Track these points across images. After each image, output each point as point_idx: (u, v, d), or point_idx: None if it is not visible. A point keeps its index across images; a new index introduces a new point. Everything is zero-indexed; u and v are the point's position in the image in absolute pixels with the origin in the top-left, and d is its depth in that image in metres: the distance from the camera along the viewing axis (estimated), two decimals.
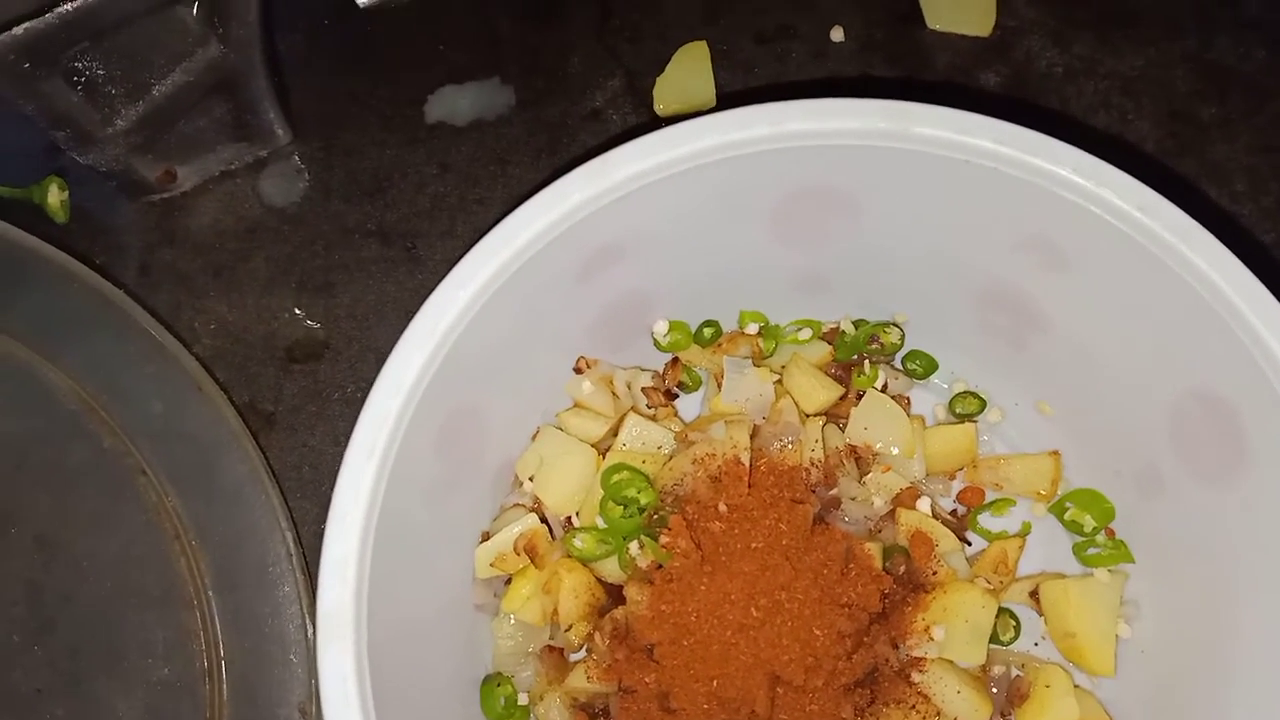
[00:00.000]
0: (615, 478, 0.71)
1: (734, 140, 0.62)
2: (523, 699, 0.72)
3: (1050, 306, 0.69)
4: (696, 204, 0.66)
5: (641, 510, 0.70)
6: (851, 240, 0.70)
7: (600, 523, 0.71)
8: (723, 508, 0.69)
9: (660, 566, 0.69)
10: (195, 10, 0.74)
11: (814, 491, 0.72)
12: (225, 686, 0.74)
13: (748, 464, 0.70)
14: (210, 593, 0.75)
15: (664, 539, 0.68)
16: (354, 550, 0.57)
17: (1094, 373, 0.70)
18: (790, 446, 0.72)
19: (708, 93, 0.88)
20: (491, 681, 0.71)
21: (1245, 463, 0.61)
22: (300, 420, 0.83)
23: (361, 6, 0.70)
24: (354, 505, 0.57)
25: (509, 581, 0.72)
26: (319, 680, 0.55)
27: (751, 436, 0.73)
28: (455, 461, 0.67)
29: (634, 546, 0.71)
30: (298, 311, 0.86)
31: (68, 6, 0.68)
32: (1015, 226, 0.64)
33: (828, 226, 0.69)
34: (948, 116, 0.60)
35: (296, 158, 0.89)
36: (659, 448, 0.73)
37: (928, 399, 0.79)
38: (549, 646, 0.72)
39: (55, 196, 0.88)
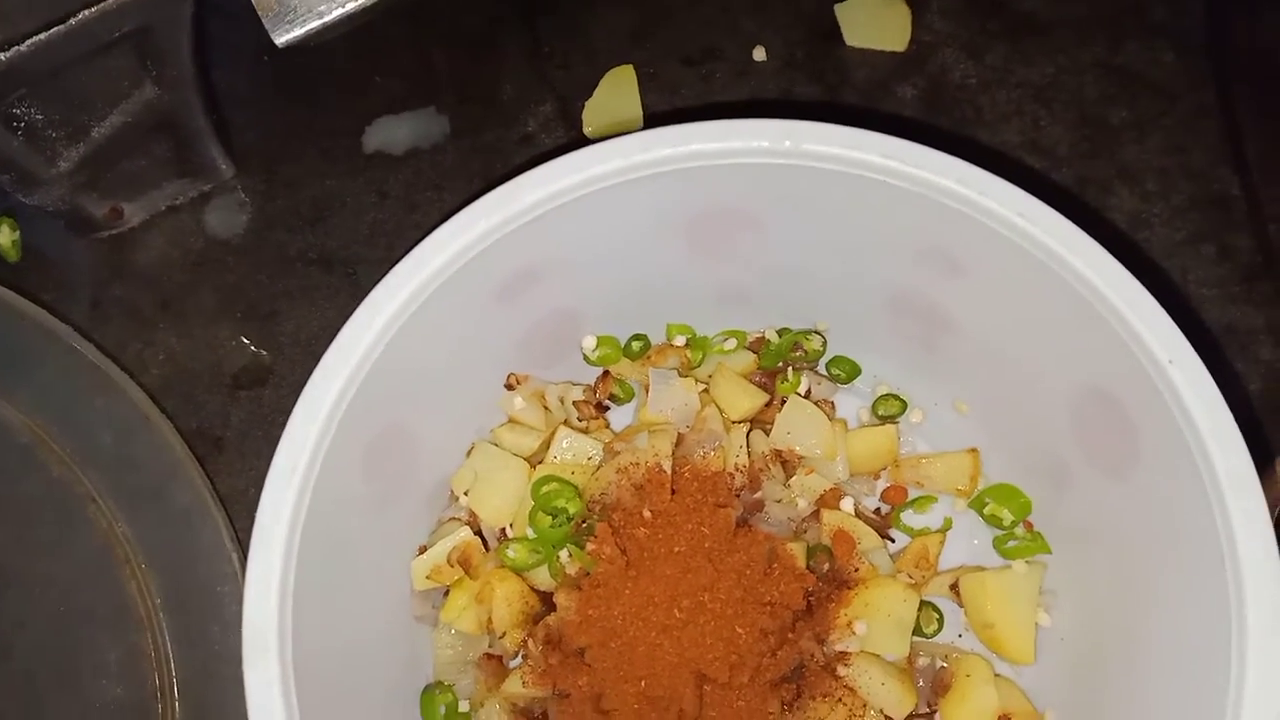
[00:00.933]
0: (545, 489, 0.73)
1: (637, 162, 0.65)
2: (464, 706, 0.74)
3: (954, 310, 0.71)
4: (612, 223, 0.68)
5: (569, 519, 0.73)
6: (763, 255, 0.73)
7: (531, 533, 0.74)
8: (647, 514, 0.72)
9: (588, 573, 0.71)
10: (128, 55, 0.77)
11: (738, 496, 0.75)
12: (178, 704, 0.76)
13: (670, 471, 0.73)
14: (161, 614, 0.77)
15: (590, 546, 0.71)
16: (276, 569, 0.59)
17: (1001, 371, 0.72)
18: (713, 453, 0.75)
19: (634, 114, 0.91)
20: (432, 690, 0.73)
21: (1139, 456, 0.64)
22: (247, 445, 0.85)
23: (280, 46, 0.73)
24: (275, 525, 0.60)
25: (447, 593, 0.75)
26: (247, 700, 0.57)
27: (676, 445, 0.75)
28: (386, 479, 0.69)
29: (564, 555, 0.73)
30: (244, 339, 0.89)
31: (0, 56, 0.70)
32: (912, 237, 0.67)
33: (739, 243, 0.72)
34: (835, 133, 0.63)
35: (240, 190, 0.92)
36: (589, 459, 0.76)
37: (852, 402, 0.82)
38: (487, 654, 0.74)
39: (6, 236, 0.90)
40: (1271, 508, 0.69)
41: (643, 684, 0.69)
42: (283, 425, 0.85)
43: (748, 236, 0.71)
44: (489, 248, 0.65)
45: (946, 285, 0.69)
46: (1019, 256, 0.62)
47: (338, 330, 0.86)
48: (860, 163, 0.63)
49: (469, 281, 0.65)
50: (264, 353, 0.88)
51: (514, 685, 0.72)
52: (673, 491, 0.73)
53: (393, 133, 0.93)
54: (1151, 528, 0.64)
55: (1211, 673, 0.57)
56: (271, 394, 0.87)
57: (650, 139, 0.64)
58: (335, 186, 0.92)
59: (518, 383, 0.78)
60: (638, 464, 0.73)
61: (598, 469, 0.75)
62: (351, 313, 0.69)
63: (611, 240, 0.70)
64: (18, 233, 0.91)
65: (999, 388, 0.74)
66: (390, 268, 0.87)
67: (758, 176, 0.66)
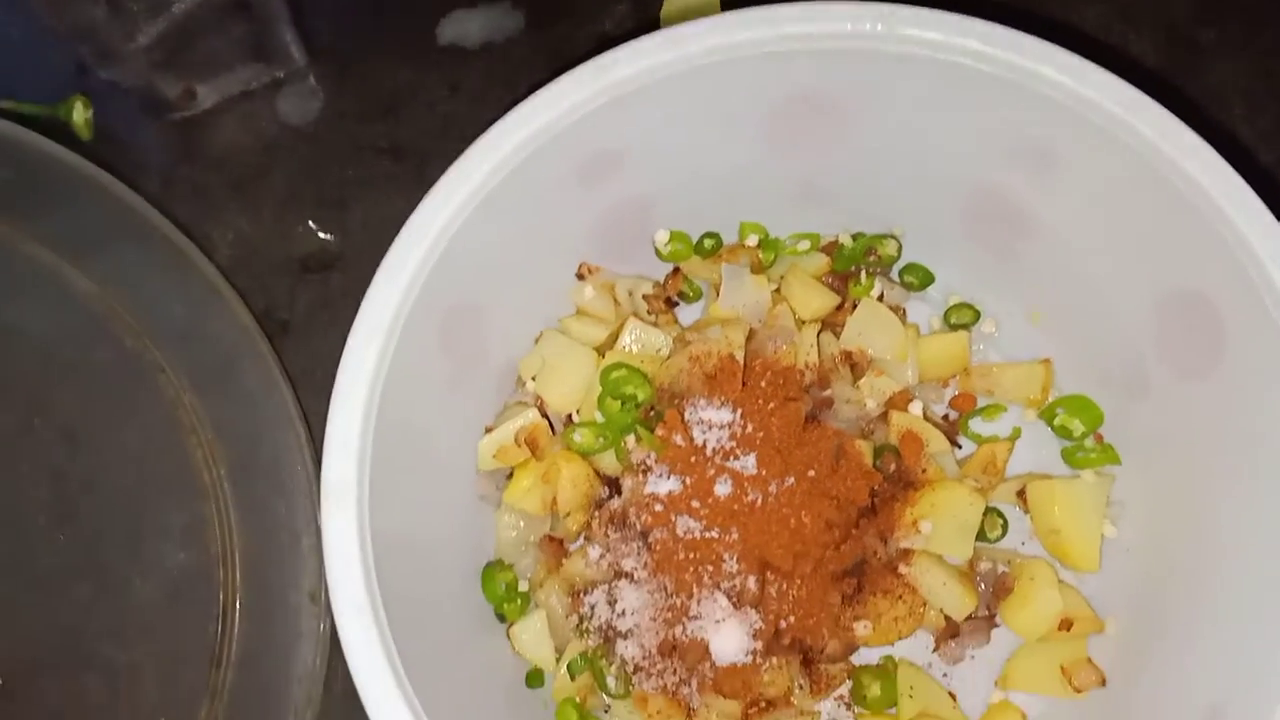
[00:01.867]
0: (614, 375, 0.73)
1: (729, 43, 0.64)
2: (523, 586, 0.75)
3: (1038, 211, 0.70)
4: (694, 109, 0.68)
5: (638, 405, 0.73)
6: (844, 148, 0.72)
7: (598, 417, 0.74)
8: (718, 403, 0.71)
9: (655, 459, 0.71)
10: None
11: (807, 392, 0.74)
12: (239, 571, 0.77)
13: (742, 362, 0.73)
14: (225, 484, 0.78)
15: (659, 432, 0.71)
16: (356, 429, 0.59)
17: (1082, 277, 0.71)
18: (785, 348, 0.74)
19: (714, 11, 0.89)
20: (493, 567, 0.74)
21: (1223, 357, 0.63)
22: (314, 327, 0.86)
23: None
24: (356, 386, 0.60)
25: (511, 475, 0.75)
26: (324, 548, 0.58)
27: (748, 339, 0.75)
28: (459, 358, 0.70)
29: (630, 440, 0.73)
30: (312, 225, 0.89)
31: None
32: (1002, 130, 0.66)
33: (819, 134, 0.71)
34: (934, 18, 0.62)
35: (312, 79, 0.92)
36: (657, 350, 0.76)
37: (923, 311, 0.81)
38: (549, 537, 0.75)
39: (80, 114, 0.91)
40: None
41: (706, 568, 0.69)
42: (350, 310, 0.85)
43: (828, 127, 0.70)
44: (571, 125, 0.64)
45: (1035, 183, 0.68)
46: (1117, 151, 0.61)
47: (405, 219, 0.87)
48: (957, 48, 0.62)
49: (551, 159, 0.65)
50: (331, 238, 0.88)
51: (575, 566, 0.72)
52: (744, 384, 0.73)
53: (466, 26, 0.93)
54: (1229, 431, 0.64)
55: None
56: (339, 279, 0.87)
57: (743, 18, 0.64)
58: (408, 78, 0.92)
59: (589, 272, 0.77)
60: (709, 353, 0.73)
61: (668, 358, 0.75)
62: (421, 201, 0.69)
63: (691, 126, 0.69)
64: (90, 111, 0.91)
65: (1078, 293, 0.73)
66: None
67: (846, 63, 0.65)
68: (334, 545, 0.58)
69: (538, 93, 0.64)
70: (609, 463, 0.74)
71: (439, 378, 0.68)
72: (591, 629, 0.72)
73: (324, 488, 0.59)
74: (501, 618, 0.74)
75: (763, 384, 0.73)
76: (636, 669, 0.71)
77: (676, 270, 0.80)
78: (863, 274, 0.79)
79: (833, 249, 0.80)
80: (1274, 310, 0.57)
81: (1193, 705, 0.60)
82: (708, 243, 0.80)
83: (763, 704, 0.71)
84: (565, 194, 0.70)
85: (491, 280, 0.69)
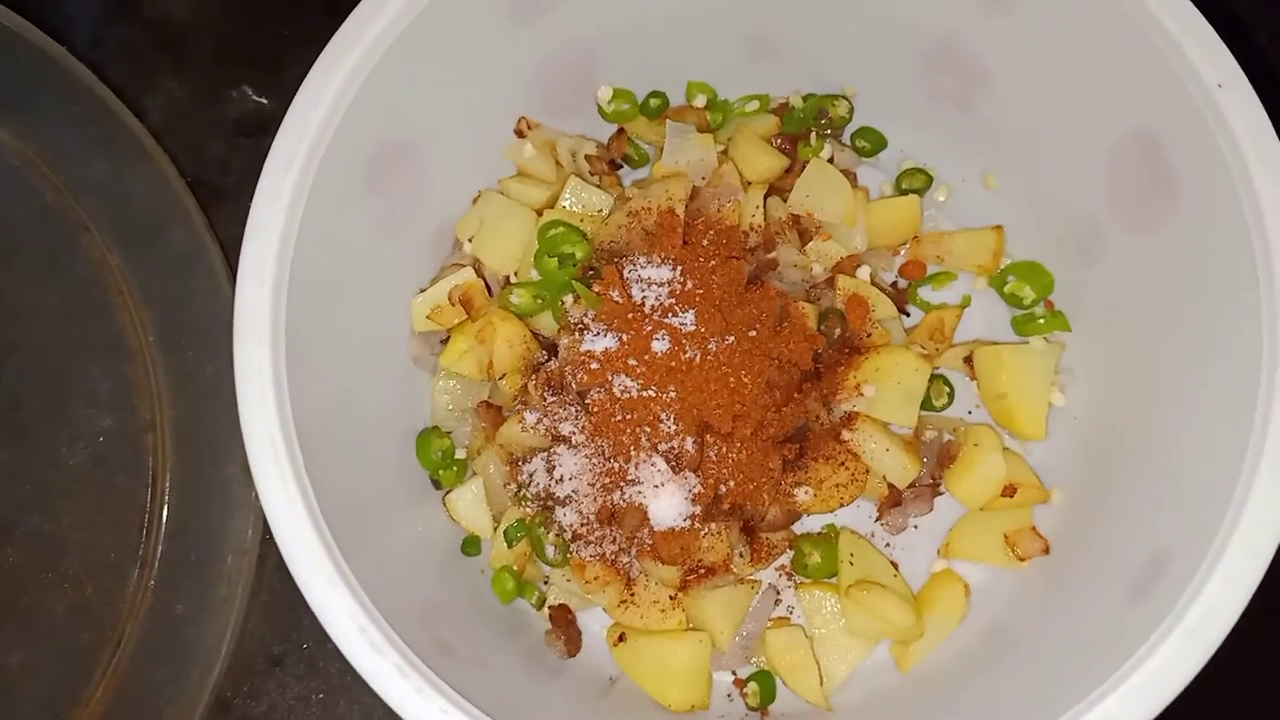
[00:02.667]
0: (552, 232, 0.71)
1: None
2: (460, 453, 0.73)
3: (994, 58, 0.68)
4: None
5: (576, 263, 0.70)
6: None
7: (536, 277, 0.71)
8: (657, 260, 0.69)
9: (593, 318, 0.69)
10: None
11: (752, 253, 0.72)
12: (168, 439, 0.75)
13: (682, 217, 0.70)
14: (154, 349, 0.76)
15: (596, 289, 0.69)
16: (272, 256, 0.57)
17: (1037, 129, 0.69)
18: (729, 206, 0.72)
19: None
20: (429, 434, 0.72)
21: (1176, 204, 0.61)
22: (247, 192, 0.79)
23: None
24: (273, 212, 0.57)
25: (447, 340, 0.73)
26: (236, 378, 0.56)
27: (691, 198, 0.72)
28: (390, 201, 0.67)
29: (569, 301, 0.71)
30: (246, 88, 0.85)
31: None
32: None
33: None
34: None
35: None
36: (599, 210, 0.73)
37: (876, 177, 0.79)
38: (486, 403, 0.73)
39: None
40: None
41: (643, 430, 0.67)
42: None
43: None
44: None
45: (989, 26, 0.66)
46: None
47: None
48: None
49: None
50: (265, 100, 0.85)
51: (511, 430, 0.70)
52: (685, 241, 0.71)
53: None
54: (1183, 288, 0.62)
55: (1235, 430, 0.55)
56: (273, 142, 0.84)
57: None
58: None
59: (529, 128, 0.74)
60: (649, 209, 0.71)
61: (608, 216, 0.72)
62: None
63: None
64: None
65: (1033, 150, 0.70)
66: None
67: None
68: (246, 375, 0.55)
69: None
70: (547, 324, 0.72)
71: (367, 219, 0.65)
72: (529, 496, 0.71)
73: (237, 315, 0.56)
74: (437, 484, 0.72)
75: (704, 242, 0.70)
76: (575, 536, 0.69)
77: (621, 131, 0.78)
78: (813, 136, 0.76)
79: (783, 111, 0.78)
80: (1223, 142, 0.55)
81: (1136, 557, 0.59)
82: (653, 102, 0.77)
83: (702, 570, 0.70)
84: (498, 29, 0.66)
85: (423, 121, 0.66)
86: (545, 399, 0.69)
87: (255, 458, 0.54)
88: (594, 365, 0.68)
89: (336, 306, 0.63)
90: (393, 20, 0.59)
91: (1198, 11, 0.56)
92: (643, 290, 0.68)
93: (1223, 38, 0.56)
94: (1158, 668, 0.51)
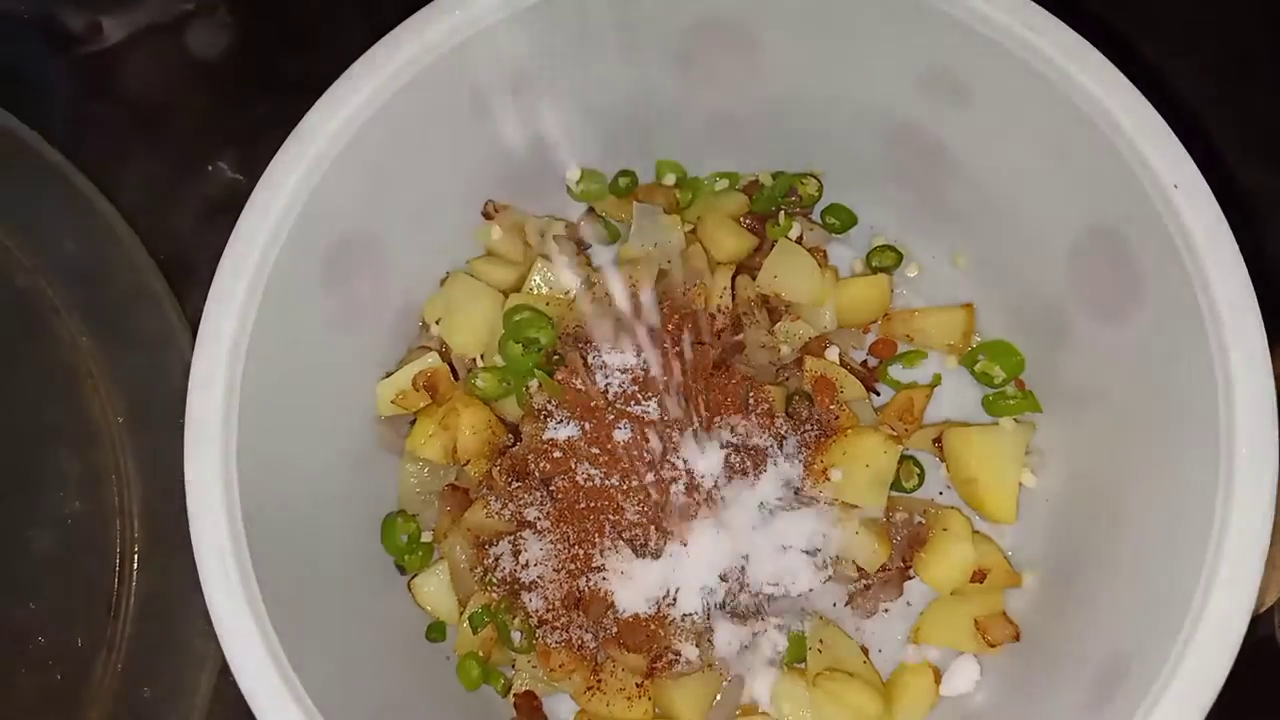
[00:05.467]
0: (517, 317, 0.71)
1: None
2: (427, 536, 0.72)
3: (956, 146, 0.68)
4: (600, 30, 0.65)
5: (540, 349, 0.70)
6: (758, 79, 0.69)
7: (501, 362, 0.71)
8: (620, 347, 0.69)
9: (556, 404, 0.69)
10: None
11: (718, 337, 0.72)
12: (137, 522, 0.74)
13: (647, 303, 0.70)
14: (123, 432, 0.76)
15: (559, 376, 0.68)
16: (223, 364, 0.57)
17: (1002, 215, 0.69)
18: (694, 289, 0.72)
19: None
20: (394, 518, 0.71)
21: (1141, 298, 0.60)
22: None
23: None
24: (223, 319, 0.57)
25: (414, 423, 0.72)
26: (186, 489, 0.55)
27: (657, 280, 0.72)
28: (352, 295, 0.67)
29: (534, 385, 0.71)
30: (222, 164, 0.86)
31: None
32: (914, 58, 0.63)
33: (732, 63, 0.68)
34: None
35: (223, 10, 0.88)
36: (566, 293, 0.73)
37: (846, 254, 0.78)
38: (452, 485, 0.72)
39: None
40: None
41: (608, 517, 0.67)
42: None
43: (742, 56, 0.67)
44: (465, 41, 0.61)
45: (948, 116, 0.66)
46: (1023, 75, 0.58)
47: None
48: None
49: (443, 78, 0.62)
50: (242, 178, 0.85)
51: (476, 515, 0.70)
52: (649, 328, 0.70)
53: None
54: (1148, 377, 0.61)
55: (1194, 534, 0.54)
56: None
57: None
58: (322, 8, 0.88)
59: (496, 211, 0.74)
60: (613, 296, 0.70)
61: (574, 301, 0.72)
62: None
63: (598, 50, 0.66)
64: None
65: (999, 234, 0.70)
66: None
67: None
68: (196, 486, 0.55)
69: (429, 6, 0.61)
70: (513, 409, 0.71)
71: (327, 311, 0.65)
72: (496, 581, 0.70)
73: (187, 425, 0.56)
74: (402, 570, 0.72)
75: (669, 327, 0.70)
76: (541, 622, 0.69)
77: (590, 210, 0.77)
78: (781, 215, 0.76)
79: (753, 189, 0.77)
80: (1180, 242, 0.54)
81: (1097, 653, 0.58)
82: (623, 181, 0.77)
83: (670, 657, 0.69)
84: (461, 120, 0.66)
85: (386, 213, 0.66)
86: (510, 485, 0.69)
87: (204, 570, 0.54)
88: (556, 453, 0.67)
89: (296, 401, 0.63)
90: (347, 120, 0.60)
91: (1154, 111, 0.56)
92: (606, 377, 0.68)
93: (1179, 134, 0.56)
94: None
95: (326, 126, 0.60)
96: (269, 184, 0.59)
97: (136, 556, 0.75)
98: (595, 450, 0.67)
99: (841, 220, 0.77)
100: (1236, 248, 0.53)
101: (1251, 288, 0.53)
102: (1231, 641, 0.50)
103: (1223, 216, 0.54)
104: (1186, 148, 0.56)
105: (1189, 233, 0.54)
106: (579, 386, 0.68)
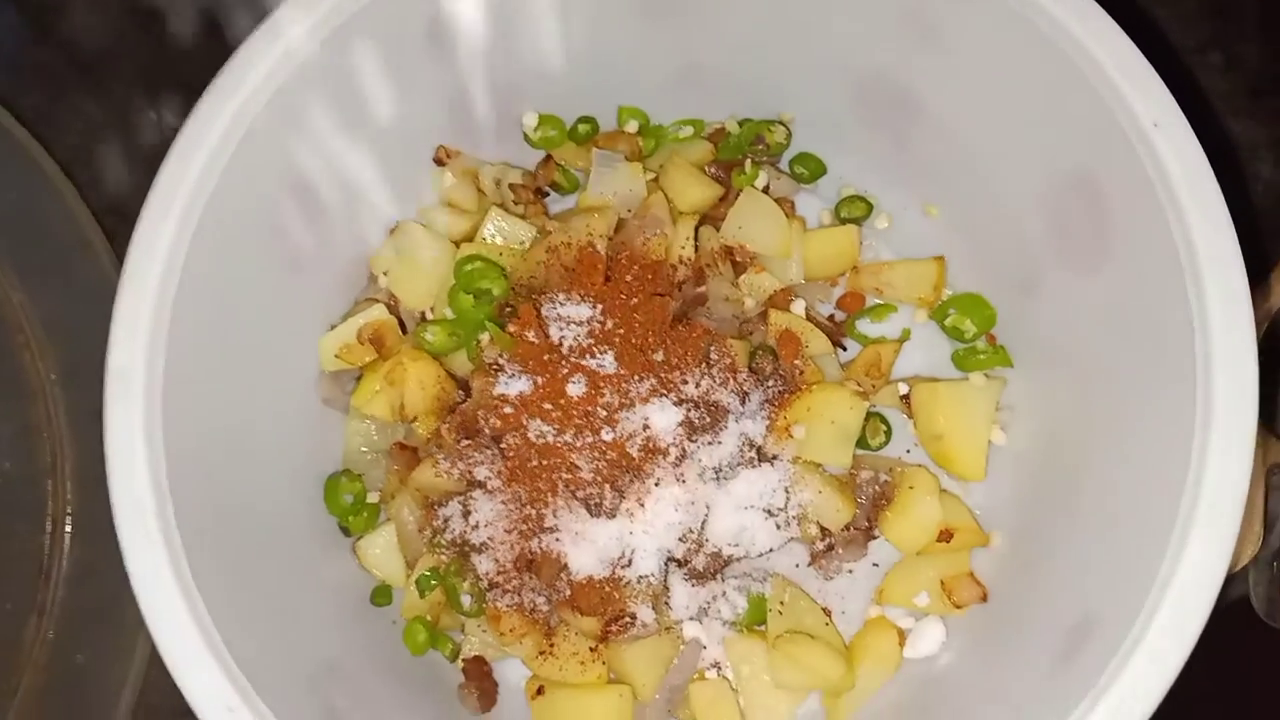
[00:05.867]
0: (468, 267, 0.68)
1: None
2: (374, 497, 0.70)
3: (927, 93, 0.65)
4: None
5: (493, 300, 0.67)
6: (727, 19, 0.66)
7: (451, 314, 0.68)
8: (577, 298, 0.66)
9: (508, 358, 0.66)
10: None
11: (679, 288, 0.69)
12: (70, 483, 0.71)
13: (604, 253, 0.67)
14: (56, 389, 0.72)
15: (511, 328, 0.65)
16: (148, 309, 0.54)
17: (974, 162, 0.66)
18: (655, 239, 0.69)
19: None
20: (338, 478, 0.68)
21: (1113, 244, 0.58)
22: None
23: None
24: (149, 261, 0.54)
25: (360, 378, 0.69)
26: (105, 442, 0.52)
27: (616, 230, 0.69)
28: (291, 245, 0.64)
29: (485, 339, 0.68)
30: (166, 112, 0.82)
31: None
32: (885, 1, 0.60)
33: (699, 2, 0.65)
34: None
35: None
36: (521, 243, 0.70)
37: (814, 204, 0.75)
38: (400, 444, 0.69)
39: None
40: (1260, 322, 0.64)
41: (561, 476, 0.64)
42: None
43: None
44: None
45: (921, 61, 0.63)
46: (998, 12, 0.56)
47: None
48: None
49: (384, 20, 0.59)
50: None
51: (425, 475, 0.67)
52: (607, 278, 0.67)
53: None
54: (1122, 328, 0.59)
55: (1168, 488, 0.51)
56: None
57: None
58: None
59: (448, 157, 0.71)
60: (569, 244, 0.67)
61: (528, 250, 0.69)
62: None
63: None
64: None
65: (971, 182, 0.67)
66: None
67: None
68: (114, 438, 0.52)
69: None
70: (463, 364, 0.68)
71: (264, 264, 0.62)
72: (445, 542, 0.67)
73: (107, 374, 0.53)
74: (346, 531, 0.69)
75: (628, 278, 0.67)
76: (491, 585, 0.66)
77: (548, 158, 0.74)
78: (748, 163, 0.73)
79: (719, 137, 0.74)
80: (1159, 184, 0.52)
81: (1065, 616, 0.56)
82: (582, 128, 0.74)
83: (625, 620, 0.66)
84: (412, 61, 0.63)
85: (332, 155, 0.63)
86: (459, 443, 0.66)
87: (120, 526, 0.51)
88: (507, 409, 0.64)
89: (231, 353, 0.60)
90: (288, 51, 0.56)
91: (1133, 45, 0.53)
92: (561, 329, 0.65)
93: (1162, 73, 0.53)
94: None
95: (260, 65, 0.56)
96: (195, 125, 0.55)
97: (69, 519, 0.72)
98: (548, 406, 0.64)
99: (810, 169, 0.74)
100: (1218, 188, 0.51)
101: (1233, 231, 0.50)
102: (1206, 597, 0.48)
103: (1204, 156, 0.51)
104: (1171, 93, 0.53)
105: (1168, 174, 0.51)
106: (532, 339, 0.65)
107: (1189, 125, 0.52)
